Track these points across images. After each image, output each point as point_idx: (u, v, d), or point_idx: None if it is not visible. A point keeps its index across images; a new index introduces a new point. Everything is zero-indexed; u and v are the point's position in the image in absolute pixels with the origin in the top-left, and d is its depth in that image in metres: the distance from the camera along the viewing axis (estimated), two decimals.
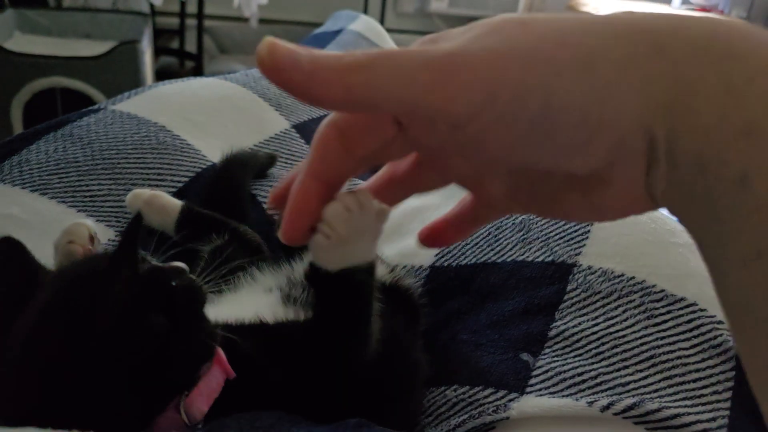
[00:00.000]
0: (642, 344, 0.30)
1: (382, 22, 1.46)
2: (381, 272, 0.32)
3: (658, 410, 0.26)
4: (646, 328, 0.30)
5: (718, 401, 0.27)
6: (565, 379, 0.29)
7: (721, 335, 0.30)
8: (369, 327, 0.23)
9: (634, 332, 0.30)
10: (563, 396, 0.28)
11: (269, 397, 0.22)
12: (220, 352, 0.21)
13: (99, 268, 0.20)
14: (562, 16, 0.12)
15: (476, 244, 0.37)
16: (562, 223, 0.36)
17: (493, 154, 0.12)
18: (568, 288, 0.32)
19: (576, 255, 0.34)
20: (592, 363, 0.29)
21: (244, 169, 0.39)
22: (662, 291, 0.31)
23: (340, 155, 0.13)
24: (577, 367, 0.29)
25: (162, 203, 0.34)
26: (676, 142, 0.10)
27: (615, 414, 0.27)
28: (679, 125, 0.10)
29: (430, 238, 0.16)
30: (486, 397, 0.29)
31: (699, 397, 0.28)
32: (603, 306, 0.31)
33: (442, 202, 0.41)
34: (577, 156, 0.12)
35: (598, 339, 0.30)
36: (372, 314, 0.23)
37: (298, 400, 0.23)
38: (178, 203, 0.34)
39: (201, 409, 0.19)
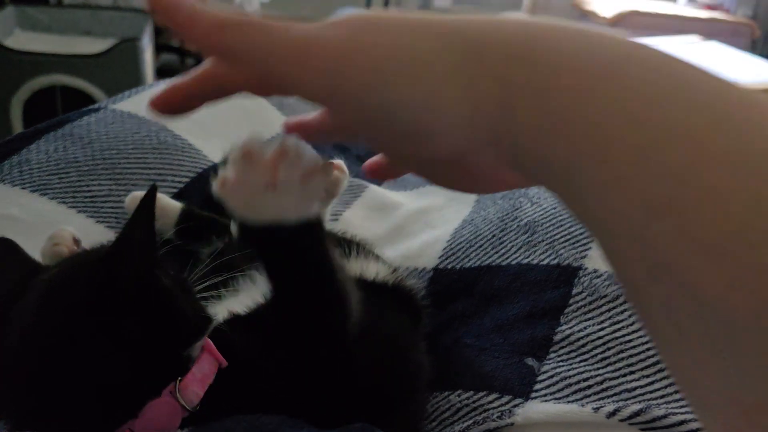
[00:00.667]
0: (648, 349, 0.29)
1: None
2: (383, 273, 0.32)
3: (665, 416, 0.26)
4: None
5: None
6: (570, 385, 0.28)
7: None
8: (333, 292, 0.22)
9: (641, 337, 0.30)
10: (569, 402, 0.28)
11: (264, 389, 0.22)
12: (209, 341, 0.21)
13: (93, 255, 0.20)
14: (407, 16, 0.13)
15: (480, 246, 0.36)
16: (568, 225, 0.35)
17: (353, 130, 0.14)
18: (574, 291, 0.32)
19: (581, 258, 0.33)
20: (598, 368, 0.29)
21: None
22: None
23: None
24: (582, 373, 0.29)
25: (161, 205, 0.33)
26: (514, 138, 0.11)
27: (621, 420, 0.26)
28: (510, 125, 0.11)
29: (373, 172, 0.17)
30: (490, 402, 0.28)
31: None
32: (609, 310, 0.31)
33: (445, 204, 0.41)
34: (423, 148, 0.13)
35: (604, 344, 0.30)
36: (333, 278, 0.22)
37: (294, 392, 0.22)
38: (177, 205, 0.34)
39: (196, 392, 0.19)
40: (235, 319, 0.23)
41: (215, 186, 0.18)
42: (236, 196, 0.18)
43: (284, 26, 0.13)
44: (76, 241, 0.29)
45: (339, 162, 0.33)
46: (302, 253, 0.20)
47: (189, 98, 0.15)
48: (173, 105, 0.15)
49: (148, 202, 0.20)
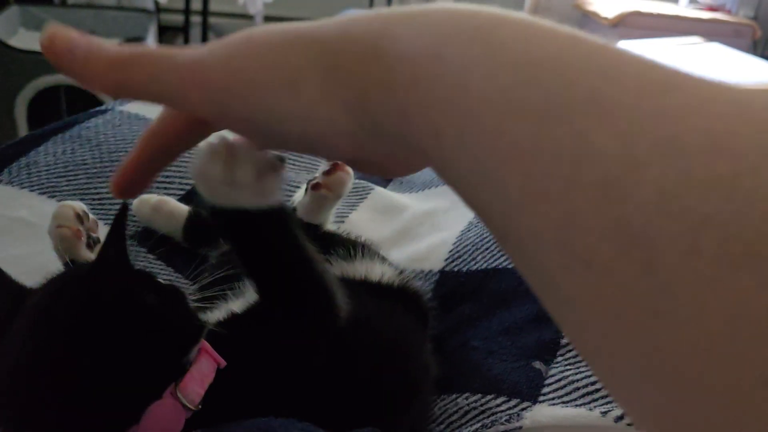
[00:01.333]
0: None
1: None
2: (389, 275, 0.32)
3: None
4: None
5: None
6: (578, 388, 0.28)
7: None
8: (309, 280, 0.22)
9: None
10: (577, 405, 0.28)
11: (265, 387, 0.22)
12: (205, 343, 0.21)
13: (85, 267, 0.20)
14: (280, 30, 0.13)
15: (487, 249, 0.36)
16: None
17: (263, 143, 0.15)
18: None
19: None
20: None
21: None
22: None
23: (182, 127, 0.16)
24: (590, 376, 0.29)
25: (169, 209, 0.33)
26: (389, 135, 0.12)
27: (629, 425, 0.26)
28: (378, 126, 0.12)
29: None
30: (498, 405, 0.28)
31: None
32: None
33: (451, 206, 0.41)
34: (323, 155, 0.14)
35: None
36: (306, 265, 0.22)
37: (295, 390, 0.22)
38: (185, 208, 0.34)
39: (197, 391, 0.20)
40: (232, 319, 0.23)
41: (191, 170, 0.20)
42: (202, 184, 0.19)
43: (171, 54, 0.13)
44: (81, 217, 0.27)
45: (342, 163, 0.33)
46: (268, 236, 0.21)
47: (142, 171, 0.16)
48: (133, 185, 0.16)
49: (119, 222, 0.20)
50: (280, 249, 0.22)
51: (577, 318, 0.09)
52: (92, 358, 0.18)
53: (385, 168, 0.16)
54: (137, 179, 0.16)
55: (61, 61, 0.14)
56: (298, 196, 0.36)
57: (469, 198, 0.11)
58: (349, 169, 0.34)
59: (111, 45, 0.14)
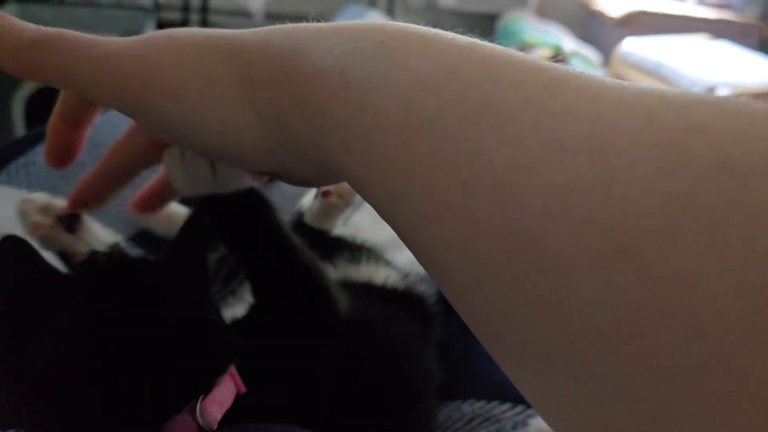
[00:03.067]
0: None
1: (390, 16, 1.45)
2: (394, 279, 0.31)
3: None
4: None
5: None
6: None
7: None
8: (295, 270, 0.22)
9: None
10: None
11: (269, 398, 0.21)
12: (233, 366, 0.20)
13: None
14: (204, 34, 0.13)
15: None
16: None
17: (182, 147, 0.15)
18: None
19: None
20: None
21: None
22: None
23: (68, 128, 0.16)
24: None
25: (168, 211, 0.33)
26: (308, 153, 0.12)
27: None
28: (294, 141, 0.12)
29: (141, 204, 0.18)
30: (503, 412, 0.28)
31: None
32: None
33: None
34: (239, 165, 0.14)
35: None
36: (289, 252, 0.22)
37: (297, 397, 0.22)
38: (184, 210, 0.34)
39: (214, 416, 0.19)
40: (235, 325, 0.23)
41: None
42: (173, 182, 0.21)
43: (89, 43, 0.13)
44: (44, 208, 0.25)
45: None
46: (245, 223, 0.22)
47: (103, 185, 0.16)
48: (92, 200, 0.16)
49: (194, 230, 0.19)
50: (258, 236, 0.22)
51: (487, 322, 0.09)
52: (143, 362, 0.17)
53: (307, 181, 0.15)
54: (96, 194, 0.16)
55: None
56: (307, 201, 0.35)
57: (381, 211, 0.11)
58: None
59: (25, 24, 0.13)
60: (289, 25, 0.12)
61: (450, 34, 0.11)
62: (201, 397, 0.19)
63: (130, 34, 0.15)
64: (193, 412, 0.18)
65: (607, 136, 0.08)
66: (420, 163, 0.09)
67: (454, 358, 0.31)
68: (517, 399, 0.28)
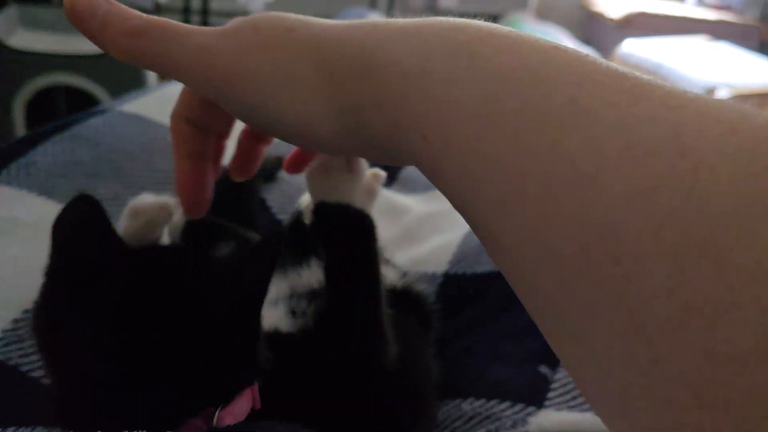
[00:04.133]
0: None
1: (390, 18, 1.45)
2: (392, 277, 0.31)
3: None
4: None
5: None
6: None
7: None
8: (379, 304, 0.23)
9: None
10: (583, 410, 0.27)
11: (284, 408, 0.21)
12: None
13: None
14: (288, 22, 0.14)
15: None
16: None
17: (257, 129, 0.16)
18: None
19: None
20: None
21: None
22: None
23: (193, 135, 0.17)
24: None
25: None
26: (378, 143, 0.13)
27: None
28: (369, 135, 0.13)
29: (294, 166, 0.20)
30: (503, 410, 0.28)
31: None
32: None
33: (454, 209, 0.40)
34: (315, 150, 0.16)
35: None
36: (377, 282, 0.23)
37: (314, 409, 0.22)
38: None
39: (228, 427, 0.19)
40: (274, 337, 0.22)
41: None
42: (317, 177, 0.22)
43: (184, 33, 0.14)
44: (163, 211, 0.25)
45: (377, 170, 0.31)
46: (354, 246, 0.22)
47: (200, 188, 0.17)
48: (201, 205, 0.18)
49: (277, 243, 0.19)
50: (358, 256, 0.23)
51: (553, 308, 0.10)
52: (179, 357, 0.17)
53: (375, 162, 0.17)
54: (196, 198, 0.18)
55: (79, 23, 0.14)
56: (306, 200, 0.35)
57: (454, 199, 0.12)
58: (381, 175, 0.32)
59: (130, 11, 0.14)
60: (370, 23, 0.13)
61: (533, 37, 0.11)
62: (221, 406, 0.18)
63: None
64: (207, 419, 0.18)
65: (691, 141, 0.08)
66: (498, 156, 0.10)
67: (453, 357, 0.31)
68: (517, 398, 0.28)
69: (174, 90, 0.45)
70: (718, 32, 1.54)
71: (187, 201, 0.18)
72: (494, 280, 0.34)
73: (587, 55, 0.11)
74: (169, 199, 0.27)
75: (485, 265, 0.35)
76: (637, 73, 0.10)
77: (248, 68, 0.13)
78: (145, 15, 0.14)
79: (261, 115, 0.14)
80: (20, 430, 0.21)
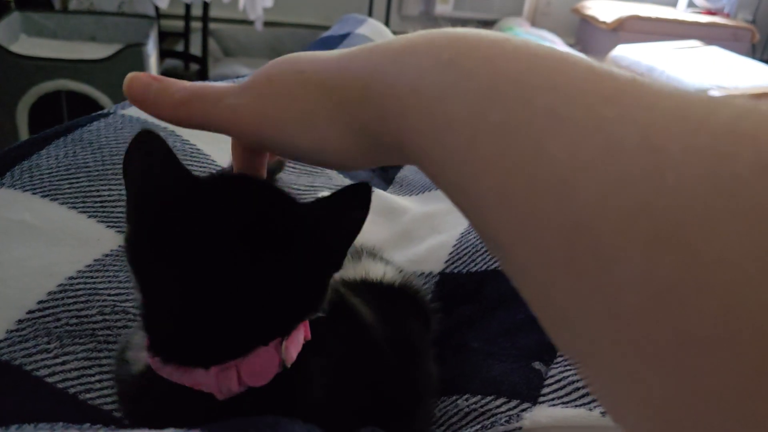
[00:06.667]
0: None
1: (386, 25, 1.47)
2: (391, 274, 0.32)
3: None
4: None
5: None
6: (578, 389, 0.28)
7: None
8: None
9: None
10: (577, 406, 0.28)
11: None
12: None
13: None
14: (294, 67, 0.16)
15: (487, 251, 0.36)
16: None
17: (291, 159, 0.18)
18: None
19: None
20: None
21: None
22: None
23: (244, 154, 0.20)
24: None
25: None
26: (391, 153, 0.15)
27: None
28: (381, 147, 0.15)
29: None
30: (498, 407, 0.28)
31: None
32: None
33: (450, 209, 0.41)
34: (336, 168, 0.20)
35: None
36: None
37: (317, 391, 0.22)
38: None
39: (292, 356, 0.21)
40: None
41: None
42: None
43: (218, 96, 0.17)
44: None
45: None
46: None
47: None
48: None
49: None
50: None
51: (546, 298, 0.11)
52: (254, 294, 0.18)
53: (387, 165, 0.20)
54: None
55: (137, 100, 0.18)
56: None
57: (456, 201, 0.13)
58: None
59: (175, 85, 0.18)
60: (367, 50, 0.15)
61: (519, 42, 0.12)
62: (284, 337, 0.20)
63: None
64: (277, 348, 0.20)
65: (659, 140, 0.09)
66: (487, 162, 0.11)
67: (449, 354, 0.32)
68: (512, 394, 0.29)
69: None
70: (710, 35, 1.55)
71: None
72: (489, 278, 0.35)
73: (570, 58, 0.11)
74: None
75: (480, 264, 0.36)
76: (615, 71, 0.11)
77: (269, 117, 0.16)
78: (187, 86, 0.17)
79: (289, 150, 0.16)
80: (23, 426, 0.22)
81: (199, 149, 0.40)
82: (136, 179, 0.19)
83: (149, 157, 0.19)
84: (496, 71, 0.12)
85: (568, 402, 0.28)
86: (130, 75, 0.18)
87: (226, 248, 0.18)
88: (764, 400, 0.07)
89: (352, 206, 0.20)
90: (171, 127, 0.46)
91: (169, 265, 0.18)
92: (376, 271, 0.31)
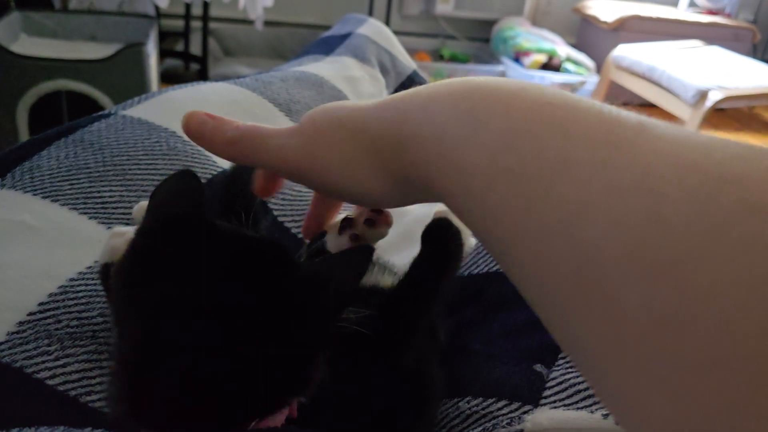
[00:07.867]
0: None
1: (387, 24, 1.47)
2: (391, 280, 0.32)
3: None
4: None
5: None
6: (579, 391, 0.28)
7: None
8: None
9: None
10: (578, 408, 0.28)
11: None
12: None
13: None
14: (337, 114, 0.18)
15: (488, 253, 0.36)
16: None
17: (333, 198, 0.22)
18: None
19: None
20: None
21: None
22: None
23: (320, 202, 0.24)
24: None
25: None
26: (426, 196, 0.17)
27: None
28: (414, 187, 0.16)
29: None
30: (500, 409, 0.28)
31: None
32: None
33: (448, 210, 0.41)
34: (372, 206, 0.22)
35: None
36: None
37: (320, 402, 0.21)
38: None
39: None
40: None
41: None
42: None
43: (266, 136, 0.18)
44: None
45: (386, 213, 0.31)
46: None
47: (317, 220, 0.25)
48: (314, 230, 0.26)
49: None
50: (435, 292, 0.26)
51: (560, 319, 0.12)
52: (244, 362, 0.16)
53: (419, 202, 0.20)
54: (316, 226, 0.25)
55: (194, 136, 0.19)
56: (332, 238, 0.32)
57: (478, 234, 0.14)
58: (391, 220, 0.32)
59: (229, 124, 0.19)
60: (399, 97, 0.16)
61: (535, 90, 0.14)
62: (257, 419, 0.18)
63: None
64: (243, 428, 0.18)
65: (656, 183, 0.10)
66: (503, 202, 0.13)
67: (450, 357, 0.32)
68: (513, 396, 0.29)
69: (175, 95, 0.45)
70: (711, 35, 1.55)
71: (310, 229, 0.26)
72: (491, 281, 0.35)
73: (577, 106, 0.13)
74: None
75: (482, 267, 0.36)
76: (623, 117, 0.12)
77: (314, 158, 0.17)
78: (239, 125, 0.19)
79: (330, 190, 0.18)
80: (24, 430, 0.22)
81: (199, 149, 0.40)
82: (153, 211, 0.19)
83: (177, 198, 0.18)
84: (510, 121, 0.13)
85: (569, 404, 0.28)
86: (189, 112, 0.19)
87: (197, 326, 0.16)
88: (757, 417, 0.08)
89: (346, 273, 0.18)
90: (172, 127, 0.46)
91: (137, 314, 0.17)
92: (384, 280, 0.31)
